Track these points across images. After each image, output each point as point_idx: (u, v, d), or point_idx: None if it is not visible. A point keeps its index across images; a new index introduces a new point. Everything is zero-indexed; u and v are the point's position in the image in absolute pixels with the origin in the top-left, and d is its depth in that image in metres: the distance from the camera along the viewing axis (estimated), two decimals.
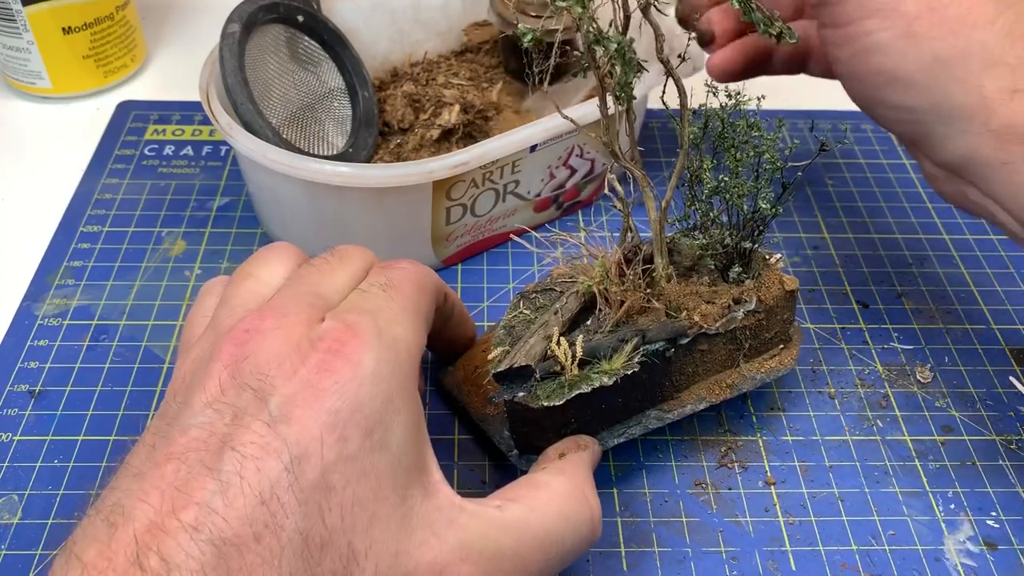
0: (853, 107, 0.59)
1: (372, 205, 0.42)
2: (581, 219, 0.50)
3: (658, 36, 0.32)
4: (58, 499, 0.36)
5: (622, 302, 0.34)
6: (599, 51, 0.31)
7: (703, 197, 0.36)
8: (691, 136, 0.35)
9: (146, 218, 0.49)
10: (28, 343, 0.42)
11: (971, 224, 0.50)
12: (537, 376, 0.32)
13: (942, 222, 0.50)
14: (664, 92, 0.34)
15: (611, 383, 0.32)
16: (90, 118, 0.56)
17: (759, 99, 0.36)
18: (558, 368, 0.33)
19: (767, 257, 0.37)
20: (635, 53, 0.30)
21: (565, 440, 0.34)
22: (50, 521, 0.35)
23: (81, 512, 0.35)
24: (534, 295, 0.36)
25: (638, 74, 0.31)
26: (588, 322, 0.34)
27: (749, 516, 0.36)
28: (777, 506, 0.37)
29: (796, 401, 0.41)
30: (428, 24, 0.53)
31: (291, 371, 0.26)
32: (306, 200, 0.42)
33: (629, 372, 0.33)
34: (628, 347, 0.33)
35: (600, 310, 0.34)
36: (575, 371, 0.32)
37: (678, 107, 0.34)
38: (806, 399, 0.41)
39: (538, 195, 0.46)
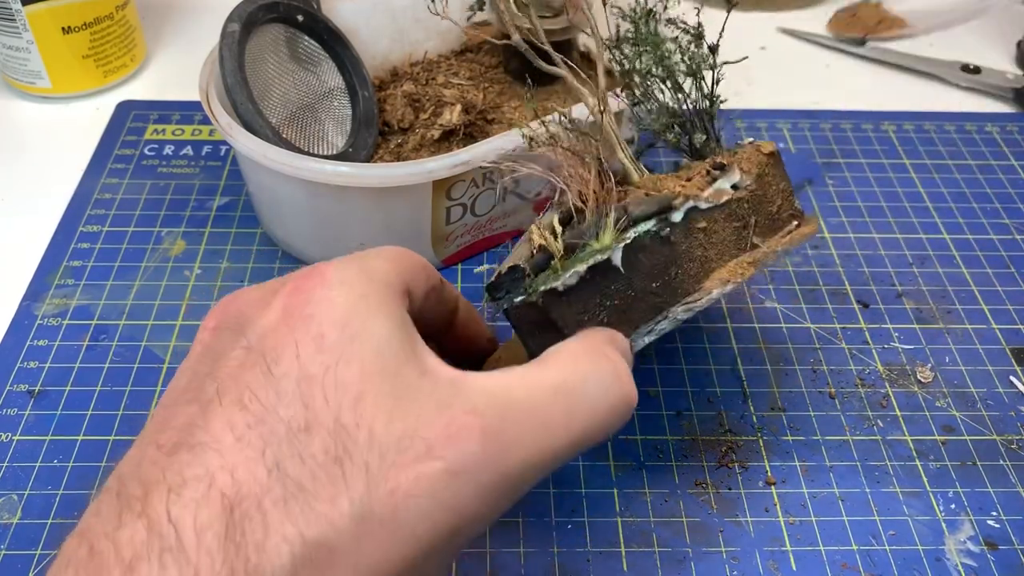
0: (853, 107, 0.59)
1: (372, 205, 0.42)
2: None
3: None
4: (58, 499, 0.36)
5: (595, 192, 0.32)
6: None
7: (639, 77, 0.36)
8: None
9: (146, 218, 0.49)
10: (28, 343, 0.42)
11: (972, 224, 0.50)
12: (528, 271, 0.31)
13: (943, 222, 0.50)
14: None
15: (607, 259, 0.30)
16: (90, 118, 0.56)
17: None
18: (548, 257, 0.31)
19: (738, 143, 0.36)
20: None
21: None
22: (50, 521, 0.35)
23: (80, 513, 0.35)
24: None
25: None
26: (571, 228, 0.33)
27: (749, 516, 0.36)
28: (777, 506, 0.37)
29: (796, 401, 0.41)
30: (428, 23, 0.53)
31: (263, 305, 0.26)
32: (306, 200, 0.42)
33: (622, 246, 0.30)
34: (610, 220, 0.31)
35: (580, 214, 0.32)
36: (561, 248, 0.31)
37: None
38: (806, 399, 0.41)
39: (538, 195, 0.46)
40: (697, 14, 0.35)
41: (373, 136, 0.49)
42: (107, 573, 0.21)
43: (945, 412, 0.40)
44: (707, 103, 0.36)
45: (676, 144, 0.36)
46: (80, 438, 0.38)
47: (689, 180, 0.33)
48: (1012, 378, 0.42)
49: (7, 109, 0.57)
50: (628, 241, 0.31)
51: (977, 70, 0.60)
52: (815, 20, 0.66)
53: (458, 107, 0.48)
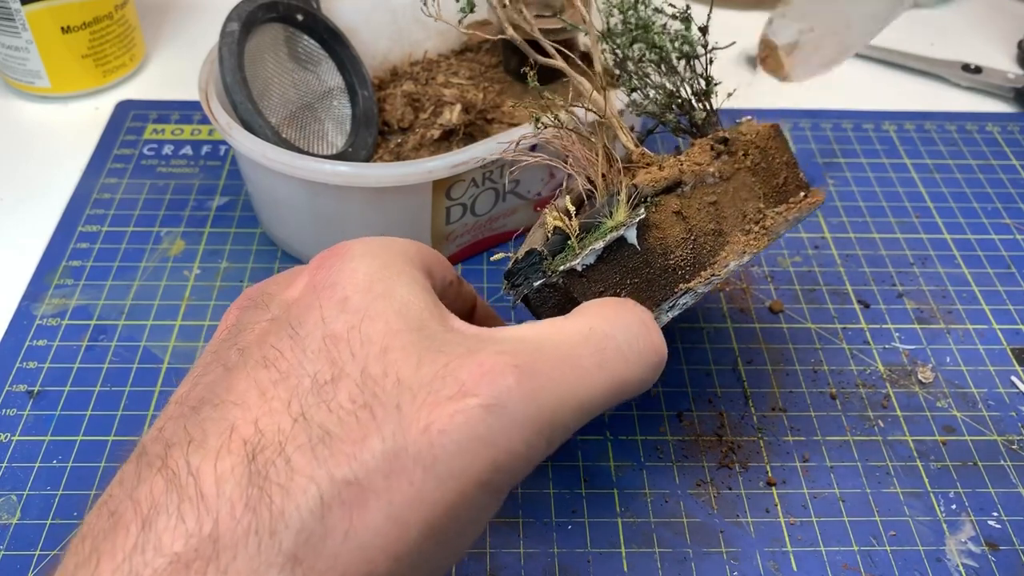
0: (854, 107, 0.59)
1: (372, 205, 0.42)
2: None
3: None
4: (57, 499, 0.36)
5: (603, 176, 0.32)
6: None
7: (633, 64, 0.36)
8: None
9: (145, 218, 0.49)
10: (27, 343, 0.42)
11: (973, 224, 0.50)
12: (545, 254, 0.31)
13: (943, 221, 0.50)
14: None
15: (622, 236, 0.30)
16: (89, 117, 0.56)
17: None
18: (563, 238, 0.31)
19: (737, 121, 0.36)
20: None
21: None
22: (49, 521, 0.35)
23: (79, 513, 0.35)
24: None
25: None
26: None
27: (750, 516, 0.36)
28: (778, 506, 0.37)
29: (797, 401, 0.41)
30: (428, 23, 0.53)
31: (288, 283, 0.26)
32: (305, 200, 0.42)
33: (636, 221, 0.30)
34: (622, 197, 0.31)
35: (591, 198, 0.33)
36: (576, 227, 0.31)
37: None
38: (807, 399, 0.41)
39: (538, 195, 0.46)
40: (687, 7, 0.35)
41: (373, 136, 0.49)
42: (124, 530, 0.21)
43: (946, 412, 0.40)
44: (703, 83, 0.36)
45: (676, 125, 0.36)
46: (79, 438, 0.38)
47: (694, 156, 0.33)
48: (1013, 378, 0.42)
49: (6, 109, 0.56)
50: (642, 216, 0.31)
51: (978, 70, 0.60)
52: None
53: (458, 107, 0.48)
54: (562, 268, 0.30)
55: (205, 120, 0.55)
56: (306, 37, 0.48)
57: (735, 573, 0.34)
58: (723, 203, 0.34)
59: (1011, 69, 0.61)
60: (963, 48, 0.64)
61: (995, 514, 0.37)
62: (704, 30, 0.35)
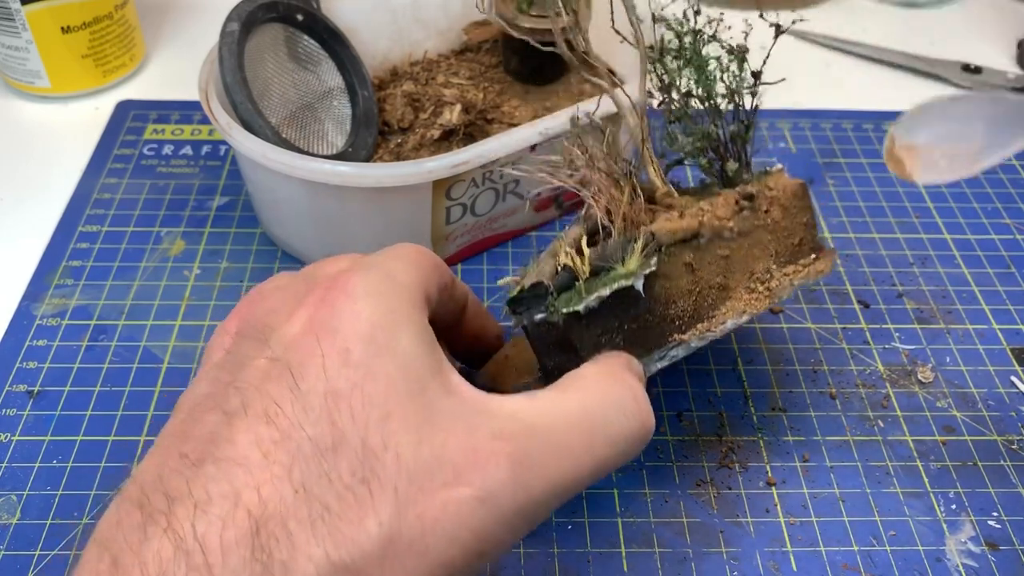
0: (854, 107, 0.59)
1: (372, 205, 0.42)
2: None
3: None
4: (57, 499, 0.36)
5: (624, 215, 0.32)
6: None
7: (678, 94, 0.35)
8: (652, 43, 0.34)
9: (145, 218, 0.49)
10: (27, 343, 0.42)
11: (972, 224, 0.50)
12: (551, 290, 0.31)
13: (943, 221, 0.50)
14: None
15: (630, 285, 0.30)
16: (89, 117, 0.56)
17: (720, 18, 0.35)
18: (572, 277, 0.31)
19: (767, 169, 0.36)
20: None
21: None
22: (49, 521, 0.35)
23: (79, 513, 0.35)
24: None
25: None
26: (598, 247, 0.33)
27: (750, 516, 0.36)
28: (778, 506, 0.37)
29: (797, 401, 0.41)
30: (428, 23, 0.53)
31: (288, 314, 0.26)
32: (306, 200, 0.42)
33: (646, 271, 0.31)
34: (638, 245, 0.31)
35: (605, 230, 0.32)
36: (587, 270, 0.31)
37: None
38: (807, 399, 0.41)
39: (538, 195, 0.46)
40: (745, 37, 0.35)
41: (373, 136, 0.49)
42: None
43: (946, 412, 0.40)
44: (744, 128, 0.36)
45: (708, 168, 0.36)
46: (79, 438, 0.38)
47: (717, 208, 0.33)
48: (1013, 378, 0.42)
49: (6, 109, 0.56)
50: (653, 269, 0.31)
51: (978, 70, 0.60)
52: (815, 20, 0.66)
53: (458, 107, 0.48)
54: (565, 311, 0.30)
55: (205, 120, 0.55)
56: (306, 37, 0.48)
57: (735, 573, 0.34)
58: (735, 258, 0.34)
59: (1011, 69, 0.61)
60: (963, 48, 0.64)
61: (995, 514, 0.37)
62: (757, 75, 0.35)
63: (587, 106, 0.43)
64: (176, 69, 0.60)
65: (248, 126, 0.42)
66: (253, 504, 0.22)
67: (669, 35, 0.36)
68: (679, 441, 0.39)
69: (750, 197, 0.34)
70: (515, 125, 0.47)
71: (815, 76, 0.62)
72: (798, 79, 0.61)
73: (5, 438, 0.38)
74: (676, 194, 0.34)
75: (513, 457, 0.24)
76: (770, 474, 0.38)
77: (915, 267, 0.47)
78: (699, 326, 0.33)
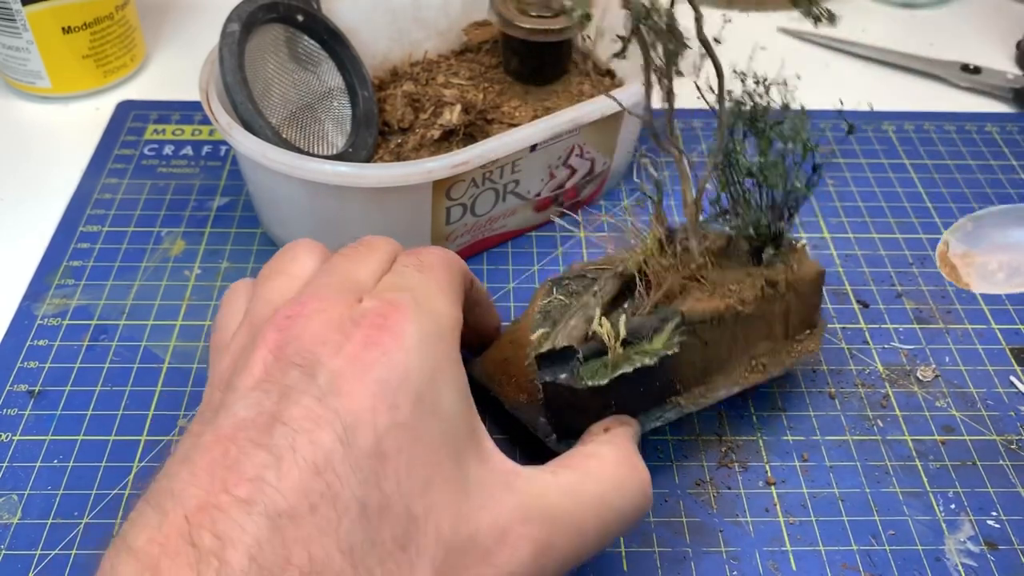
0: (853, 107, 0.59)
1: (372, 205, 0.42)
2: (582, 219, 0.50)
3: (698, 16, 0.31)
4: (58, 499, 0.36)
5: (661, 284, 0.33)
6: (644, 28, 0.30)
7: (737, 180, 0.36)
8: (728, 119, 0.34)
9: (145, 218, 0.49)
10: (28, 343, 0.42)
11: None
12: (580, 357, 0.32)
13: (942, 222, 0.50)
14: (697, 75, 0.34)
15: (653, 364, 0.32)
16: (90, 118, 0.56)
17: (785, 84, 0.36)
18: (601, 347, 0.32)
19: (793, 242, 0.37)
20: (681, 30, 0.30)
21: (608, 418, 0.34)
22: (49, 521, 0.35)
23: (80, 513, 0.35)
24: (566, 282, 0.36)
25: (683, 51, 0.31)
26: (625, 304, 0.34)
27: (749, 516, 0.36)
28: (777, 506, 0.37)
29: (796, 401, 0.41)
30: (428, 23, 0.53)
31: (336, 347, 0.26)
32: (306, 200, 0.42)
33: (670, 352, 0.32)
34: (670, 327, 0.33)
35: (639, 293, 0.34)
36: (619, 351, 0.32)
37: (709, 94, 0.34)
38: (806, 399, 0.41)
39: (538, 195, 0.46)
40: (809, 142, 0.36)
41: (373, 136, 0.49)
42: None
43: (945, 412, 0.40)
44: (788, 218, 0.37)
45: (747, 246, 0.37)
46: (80, 438, 0.38)
47: (744, 285, 0.35)
48: (1012, 378, 0.42)
49: (7, 109, 0.57)
50: (676, 350, 0.33)
51: (977, 70, 0.60)
52: None
53: (458, 107, 0.48)
54: (589, 384, 0.32)
55: (206, 120, 0.55)
56: (306, 37, 0.48)
57: (734, 572, 0.35)
58: (742, 335, 0.36)
59: (1010, 70, 0.62)
60: (962, 49, 0.64)
61: (994, 514, 0.37)
62: (817, 169, 0.36)
63: (587, 107, 0.43)
64: (177, 69, 0.60)
65: (248, 126, 0.42)
66: (303, 562, 0.22)
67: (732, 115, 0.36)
68: (679, 441, 0.39)
69: (774, 286, 0.36)
70: (515, 125, 0.47)
71: (814, 76, 0.62)
72: (797, 79, 0.61)
73: (6, 438, 0.38)
74: (709, 268, 0.36)
75: (537, 543, 0.26)
76: (769, 474, 0.38)
77: (914, 267, 0.47)
78: (695, 389, 0.36)
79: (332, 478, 0.23)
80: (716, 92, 0.34)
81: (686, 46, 0.31)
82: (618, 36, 0.31)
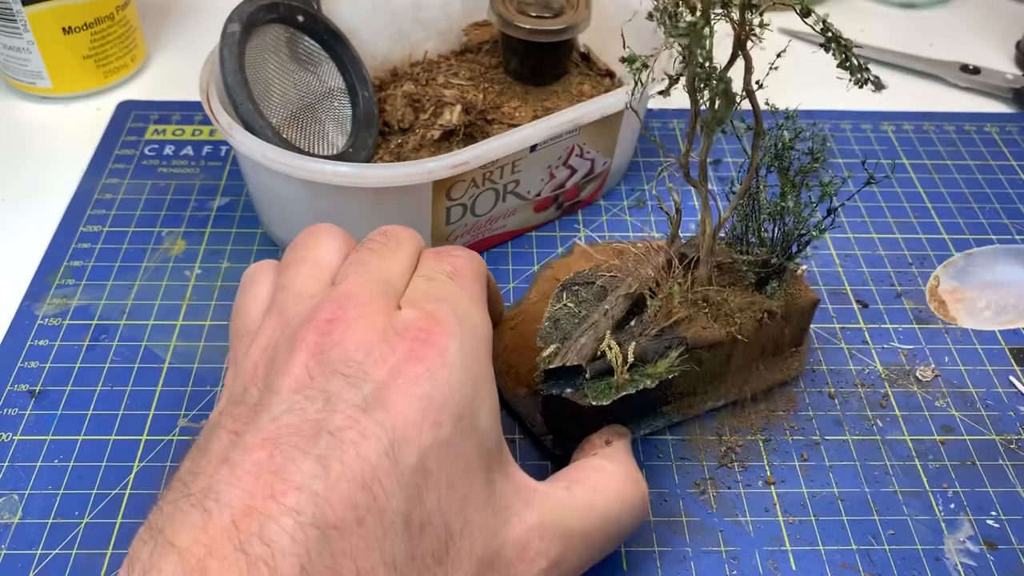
0: (853, 107, 0.59)
1: (372, 205, 0.42)
2: (582, 219, 0.50)
3: (749, 68, 0.32)
4: (58, 499, 0.36)
5: (669, 311, 0.35)
6: (701, 85, 0.30)
7: (758, 218, 0.37)
8: (761, 161, 0.36)
9: (146, 218, 0.49)
10: (28, 343, 0.42)
11: (970, 224, 0.50)
12: (587, 376, 0.33)
13: (942, 222, 0.50)
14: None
15: (653, 386, 0.34)
16: (90, 118, 0.56)
17: (815, 125, 0.37)
18: (606, 368, 0.34)
19: (794, 268, 0.39)
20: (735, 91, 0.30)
21: (606, 428, 0.35)
22: (50, 521, 0.35)
23: (80, 512, 0.35)
24: (576, 287, 0.37)
25: (733, 108, 0.31)
26: (632, 323, 0.35)
27: (749, 516, 0.36)
28: (777, 506, 0.37)
29: (796, 401, 0.41)
30: (428, 23, 0.53)
31: (381, 359, 0.26)
32: (306, 200, 0.42)
33: (670, 376, 0.34)
34: (674, 354, 0.34)
35: (646, 314, 0.35)
36: (625, 375, 0.33)
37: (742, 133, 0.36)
38: (806, 399, 0.41)
39: (538, 195, 0.46)
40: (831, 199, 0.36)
41: (373, 136, 0.49)
42: None
43: (944, 412, 0.41)
44: (798, 250, 0.38)
45: (752, 278, 0.38)
46: (80, 438, 0.38)
47: (744, 321, 0.37)
48: (1011, 378, 0.42)
49: (7, 109, 0.57)
50: (676, 374, 0.35)
51: (976, 70, 0.60)
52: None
53: (458, 107, 0.48)
54: (594, 403, 0.33)
55: (206, 120, 0.55)
56: (307, 38, 0.48)
57: (734, 572, 0.35)
58: (735, 356, 0.37)
59: (1009, 70, 0.62)
60: (961, 49, 0.64)
61: (993, 513, 0.37)
62: (834, 211, 0.37)
63: (587, 107, 0.43)
64: (177, 70, 0.60)
65: (249, 126, 0.42)
66: (351, 575, 0.22)
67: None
68: (678, 441, 0.39)
69: (772, 316, 0.37)
70: (515, 125, 0.48)
71: (813, 76, 0.62)
72: (796, 79, 0.61)
73: (7, 438, 0.38)
74: (717, 296, 0.37)
75: (551, 559, 0.28)
76: (769, 473, 0.38)
77: (913, 267, 0.47)
78: (685, 400, 0.38)
79: (378, 491, 0.23)
80: (752, 134, 0.35)
81: (737, 106, 0.31)
82: (666, 74, 0.32)
